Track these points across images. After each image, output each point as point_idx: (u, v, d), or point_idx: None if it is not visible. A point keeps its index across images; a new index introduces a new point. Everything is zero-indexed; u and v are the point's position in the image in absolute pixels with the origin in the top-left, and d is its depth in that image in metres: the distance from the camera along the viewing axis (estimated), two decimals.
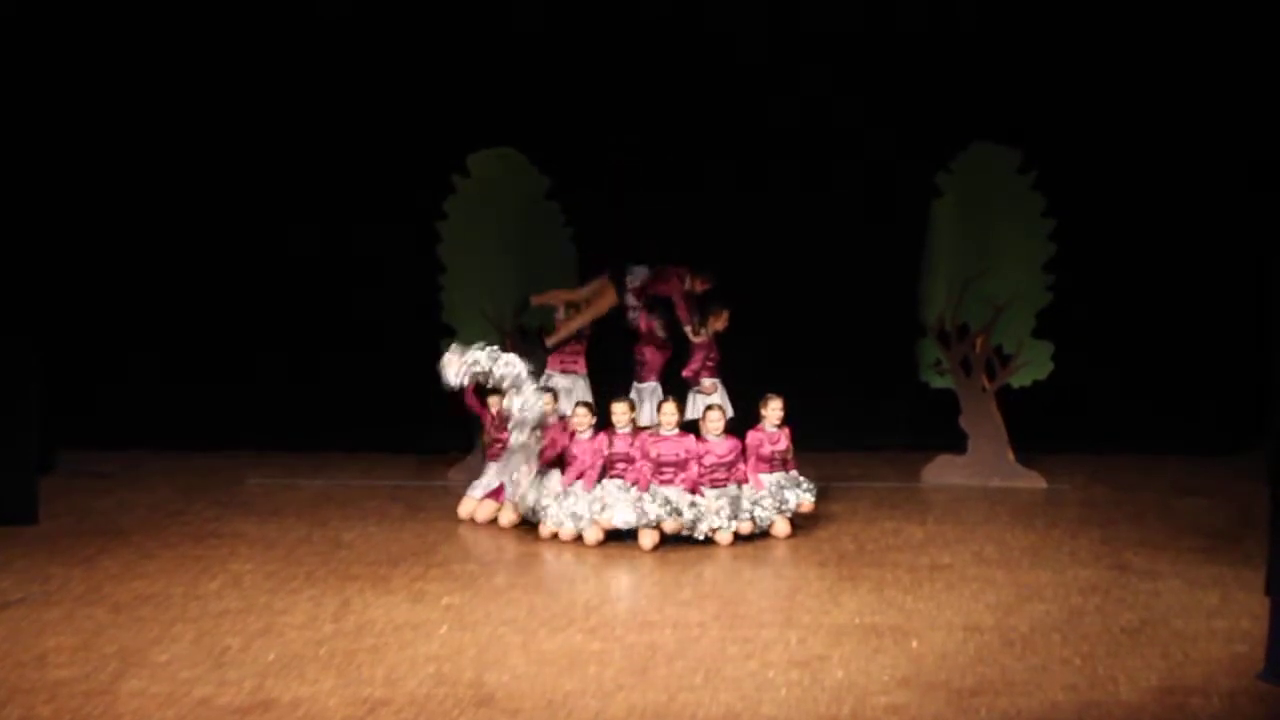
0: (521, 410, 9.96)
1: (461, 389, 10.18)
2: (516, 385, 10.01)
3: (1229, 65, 11.81)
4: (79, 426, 12.36)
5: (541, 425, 10.04)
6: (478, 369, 9.98)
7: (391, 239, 12.45)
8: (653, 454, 9.84)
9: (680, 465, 9.83)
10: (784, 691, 6.77)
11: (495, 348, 10.12)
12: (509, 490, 10.21)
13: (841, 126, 12.16)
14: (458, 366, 9.97)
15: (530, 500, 9.94)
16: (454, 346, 10.15)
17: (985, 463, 11.57)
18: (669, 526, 9.57)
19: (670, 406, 10.10)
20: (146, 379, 12.75)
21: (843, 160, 12.25)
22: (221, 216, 12.73)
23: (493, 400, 10.61)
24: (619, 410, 10.10)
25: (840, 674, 6.99)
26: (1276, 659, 6.86)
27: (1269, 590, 7.09)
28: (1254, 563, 8.67)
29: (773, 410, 10.25)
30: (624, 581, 8.86)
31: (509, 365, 10.01)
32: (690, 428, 10.21)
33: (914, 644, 7.44)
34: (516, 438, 10.01)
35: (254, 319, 12.79)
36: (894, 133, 12.09)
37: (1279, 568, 7.14)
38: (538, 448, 10.01)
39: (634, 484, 9.81)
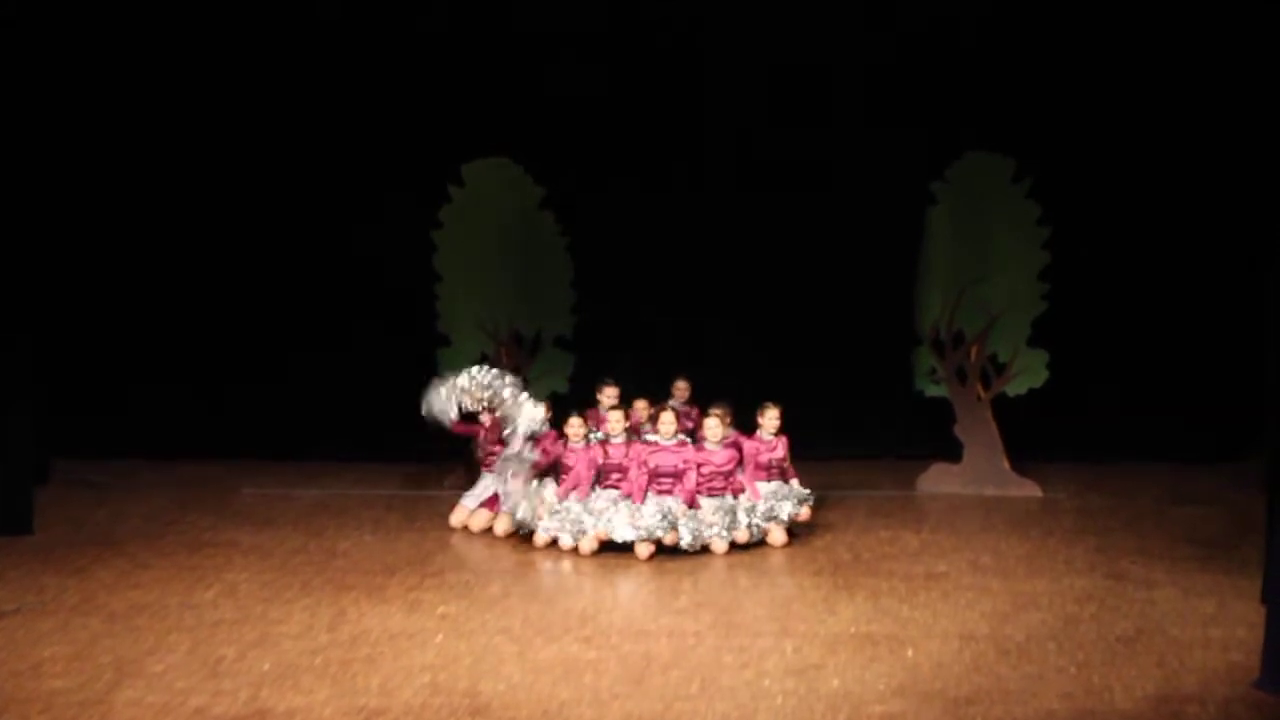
0: (517, 420, 9.99)
1: (451, 419, 10.27)
2: (513, 396, 10.05)
3: (1224, 72, 11.82)
4: (74, 436, 12.34)
5: (536, 435, 10.04)
6: (464, 393, 10.14)
7: (388, 247, 12.43)
8: (650, 464, 9.83)
9: (678, 475, 9.82)
10: (780, 700, 6.77)
11: (477, 370, 10.26)
12: (503, 500, 10.20)
13: (838, 134, 12.17)
14: (446, 395, 10.12)
15: (522, 512, 9.92)
16: (433, 384, 10.27)
17: (981, 471, 11.57)
18: (667, 540, 9.55)
19: (668, 415, 10.05)
20: (141, 387, 12.72)
21: (839, 168, 12.25)
22: (216, 224, 12.70)
23: (484, 414, 10.59)
24: (614, 418, 10.09)
25: (836, 683, 6.99)
26: (1272, 667, 6.86)
27: (1265, 598, 7.10)
28: (1250, 571, 8.70)
29: (769, 419, 10.28)
30: (619, 590, 8.85)
31: (496, 378, 10.12)
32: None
33: (910, 653, 7.44)
34: (511, 448, 10.03)
35: (249, 327, 12.76)
36: (890, 140, 12.10)
37: (1275, 576, 7.15)
38: (531, 458, 10.01)
39: (628, 495, 9.80)
